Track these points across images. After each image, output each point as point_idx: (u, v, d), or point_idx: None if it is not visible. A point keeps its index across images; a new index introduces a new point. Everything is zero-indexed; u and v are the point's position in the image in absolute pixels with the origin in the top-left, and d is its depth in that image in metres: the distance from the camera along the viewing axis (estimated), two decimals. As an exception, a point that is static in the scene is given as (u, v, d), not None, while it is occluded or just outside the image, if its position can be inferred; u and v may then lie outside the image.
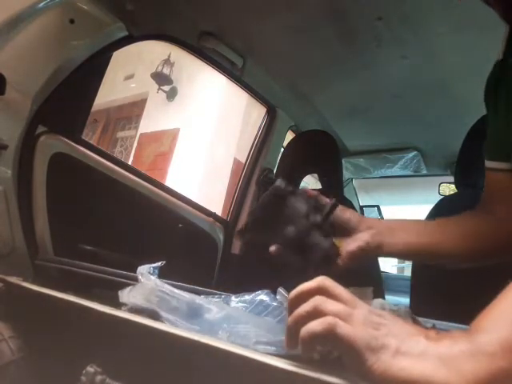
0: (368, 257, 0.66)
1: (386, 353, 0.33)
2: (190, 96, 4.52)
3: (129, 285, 0.61)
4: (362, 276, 0.57)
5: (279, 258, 0.59)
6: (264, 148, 1.79)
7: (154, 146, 4.68)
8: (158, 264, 0.63)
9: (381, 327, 0.35)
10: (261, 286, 0.63)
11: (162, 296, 0.56)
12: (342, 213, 0.64)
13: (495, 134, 0.67)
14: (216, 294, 0.65)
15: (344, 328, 0.33)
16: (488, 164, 0.70)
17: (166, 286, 0.57)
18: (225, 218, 1.73)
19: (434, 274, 1.03)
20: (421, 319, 0.50)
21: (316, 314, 0.35)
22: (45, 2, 0.98)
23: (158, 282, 0.58)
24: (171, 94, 4.70)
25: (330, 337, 0.33)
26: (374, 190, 2.76)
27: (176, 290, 0.57)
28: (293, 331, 0.36)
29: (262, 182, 1.76)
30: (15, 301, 0.71)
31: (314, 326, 0.34)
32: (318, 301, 0.36)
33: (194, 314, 0.54)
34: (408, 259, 0.88)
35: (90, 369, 0.51)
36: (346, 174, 2.33)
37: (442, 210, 1.24)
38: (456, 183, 1.31)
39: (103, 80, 1.24)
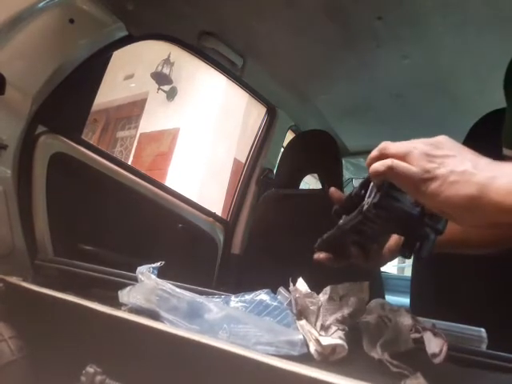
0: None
1: (435, 182, 0.39)
2: (189, 96, 4.53)
3: (129, 285, 0.61)
4: (362, 276, 0.57)
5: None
6: (264, 148, 1.79)
7: (153, 146, 4.68)
8: (158, 264, 0.63)
9: (435, 159, 0.41)
10: (261, 285, 0.63)
11: (162, 295, 0.56)
12: None
13: None
14: (216, 294, 0.65)
15: (401, 167, 0.41)
16: (507, 152, 0.67)
17: (166, 285, 0.57)
18: (225, 218, 1.74)
19: (434, 274, 1.02)
20: (421, 319, 0.50)
21: (381, 156, 0.44)
22: (45, 1, 0.98)
23: (159, 280, 0.58)
24: (171, 94, 4.70)
25: (389, 174, 0.41)
26: (374, 190, 2.75)
27: (177, 289, 0.57)
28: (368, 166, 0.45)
29: (262, 181, 1.75)
30: (15, 301, 0.71)
31: (378, 165, 0.43)
32: (383, 145, 0.45)
33: (194, 314, 0.54)
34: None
35: (90, 369, 0.51)
36: (346, 174, 2.33)
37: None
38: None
39: (103, 80, 1.24)
